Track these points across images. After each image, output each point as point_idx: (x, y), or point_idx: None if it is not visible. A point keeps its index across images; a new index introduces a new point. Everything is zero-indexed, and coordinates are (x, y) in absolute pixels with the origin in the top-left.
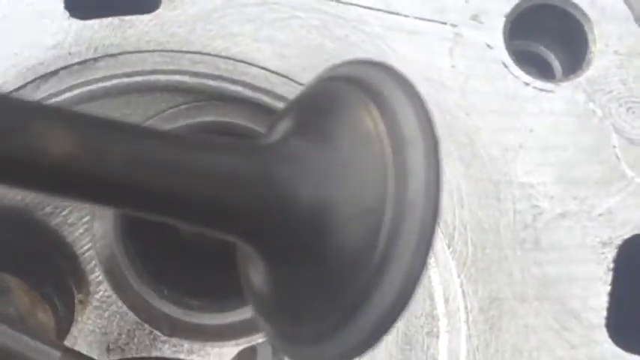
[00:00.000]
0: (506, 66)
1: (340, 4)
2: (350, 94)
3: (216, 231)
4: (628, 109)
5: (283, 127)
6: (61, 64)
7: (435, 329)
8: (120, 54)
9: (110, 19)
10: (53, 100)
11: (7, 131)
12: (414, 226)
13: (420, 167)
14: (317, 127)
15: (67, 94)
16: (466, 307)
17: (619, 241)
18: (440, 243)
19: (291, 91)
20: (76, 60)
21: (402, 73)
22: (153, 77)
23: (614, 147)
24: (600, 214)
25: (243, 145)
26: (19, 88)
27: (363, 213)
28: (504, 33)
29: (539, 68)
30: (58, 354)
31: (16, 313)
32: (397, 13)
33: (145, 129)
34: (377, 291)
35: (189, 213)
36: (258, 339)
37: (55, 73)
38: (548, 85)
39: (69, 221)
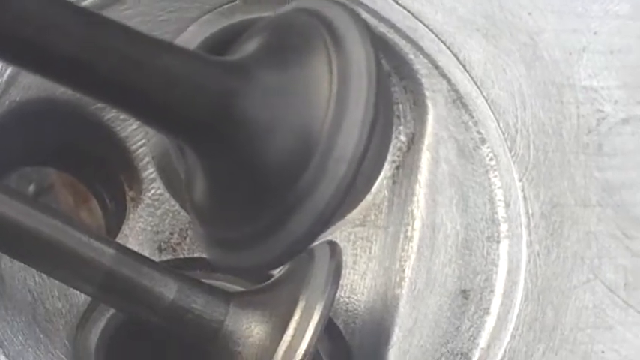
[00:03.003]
0: None
1: None
2: (312, 29)
3: (165, 130)
4: None
5: (246, 48)
6: None
7: (495, 234)
8: None
9: None
10: None
11: None
12: (345, 155)
13: (359, 104)
14: (276, 52)
15: None
16: (527, 212)
17: None
18: (501, 146)
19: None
20: None
21: (362, 18)
22: None
23: None
24: None
25: (205, 57)
26: None
27: (300, 137)
28: None
29: None
30: (111, 251)
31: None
32: None
33: (123, 25)
34: (303, 206)
35: (138, 106)
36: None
37: None
38: None
39: (122, 116)
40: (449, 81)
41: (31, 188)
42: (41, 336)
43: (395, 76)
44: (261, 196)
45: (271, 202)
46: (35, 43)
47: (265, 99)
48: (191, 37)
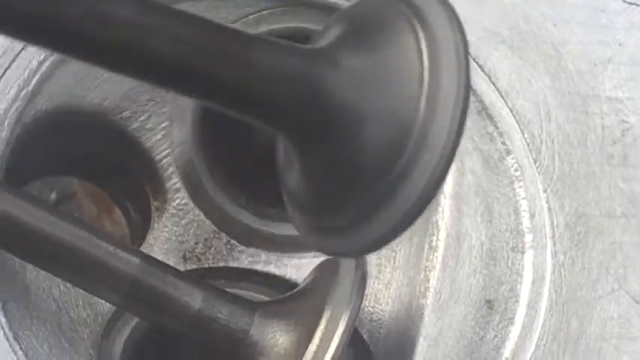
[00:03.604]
0: None
1: None
2: (397, 12)
3: (256, 119)
4: None
5: (330, 35)
6: None
7: (520, 245)
8: None
9: None
10: None
11: None
12: (439, 141)
13: (451, 89)
14: (361, 37)
15: None
16: (552, 223)
17: None
18: (526, 157)
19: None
20: None
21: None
22: None
23: None
24: None
25: (291, 46)
26: None
27: (394, 121)
28: None
29: None
30: (136, 260)
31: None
32: None
33: (204, 18)
34: (402, 189)
35: (234, 101)
36: None
37: None
38: None
39: (147, 126)
40: (474, 92)
41: (53, 196)
42: (66, 345)
43: None
44: (356, 183)
45: (367, 188)
46: (136, 45)
47: (355, 84)
48: None
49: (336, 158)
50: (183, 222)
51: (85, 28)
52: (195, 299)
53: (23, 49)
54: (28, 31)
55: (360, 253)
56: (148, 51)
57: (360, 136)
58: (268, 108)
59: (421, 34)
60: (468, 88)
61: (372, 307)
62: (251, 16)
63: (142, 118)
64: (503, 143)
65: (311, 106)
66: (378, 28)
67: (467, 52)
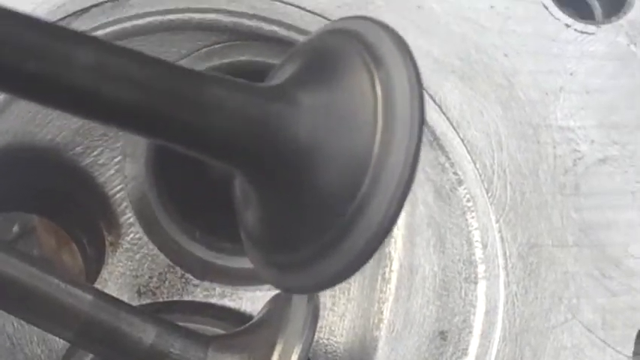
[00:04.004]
0: (546, 7)
1: None
2: (352, 50)
3: (212, 159)
4: None
5: (287, 71)
6: (93, 1)
7: (472, 275)
8: None
9: None
10: None
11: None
12: (392, 180)
13: (405, 124)
14: (317, 74)
15: (99, 32)
16: (505, 253)
17: None
18: (478, 187)
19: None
20: None
21: (397, 32)
22: (187, 15)
23: None
24: None
25: (246, 84)
26: None
27: (350, 158)
28: None
29: (579, 10)
30: (89, 297)
31: (40, 254)
32: None
33: (158, 59)
34: (358, 225)
35: (189, 140)
36: None
37: (86, 10)
38: (590, 28)
39: (100, 162)
40: (425, 123)
41: (15, 229)
42: None
43: None
44: (315, 218)
45: (326, 223)
46: (86, 88)
47: (310, 122)
48: None
49: (292, 196)
50: (138, 256)
51: (46, 72)
52: (148, 334)
53: None
54: None
55: (315, 289)
56: (103, 95)
57: (315, 174)
58: (223, 146)
59: (375, 73)
60: (421, 127)
61: (327, 339)
62: (203, 50)
63: (94, 153)
64: (455, 173)
65: (266, 144)
66: (333, 66)
67: (421, 90)
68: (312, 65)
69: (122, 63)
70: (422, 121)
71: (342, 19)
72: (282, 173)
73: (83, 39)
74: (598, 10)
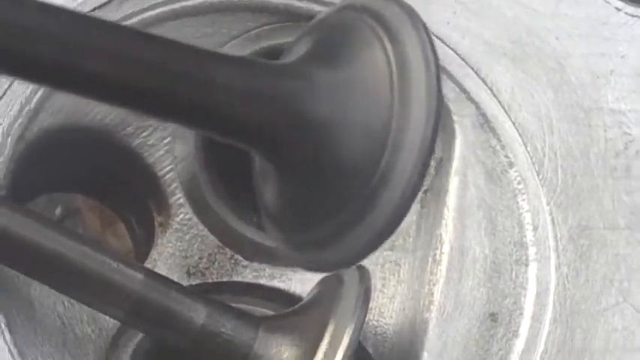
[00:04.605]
0: None
1: None
2: (364, 24)
3: (229, 139)
4: None
5: (300, 49)
6: None
7: (523, 257)
8: None
9: None
10: (136, 19)
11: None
12: (413, 147)
13: (421, 95)
14: (331, 50)
15: (150, 12)
16: (555, 236)
17: None
18: (529, 170)
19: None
20: None
21: (412, 7)
22: None
23: None
24: None
25: (261, 62)
26: (101, 5)
27: (368, 131)
28: None
29: None
30: (140, 276)
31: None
32: None
33: (171, 40)
34: (381, 197)
35: (206, 121)
36: None
37: None
38: None
39: (150, 142)
40: (477, 105)
41: (58, 211)
42: None
43: None
44: (336, 194)
45: (347, 198)
46: (103, 72)
47: (327, 97)
48: None
49: (311, 173)
50: (187, 237)
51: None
52: (199, 314)
53: None
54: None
55: (340, 265)
56: (116, 78)
57: (334, 149)
58: (239, 126)
59: (389, 46)
60: (438, 98)
61: (376, 321)
62: (253, 32)
63: (144, 134)
64: (506, 156)
65: (283, 121)
66: (347, 41)
67: (437, 61)
68: (326, 41)
69: (134, 46)
70: (439, 91)
71: None
72: (300, 150)
73: (96, 23)
74: None
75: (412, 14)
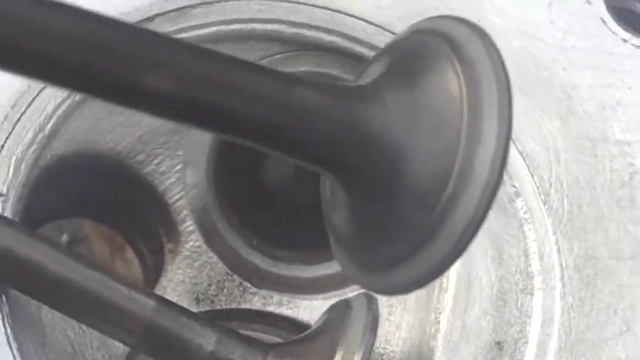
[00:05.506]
0: (604, 22)
1: None
2: (436, 47)
3: (303, 161)
4: None
5: (374, 71)
6: (157, 10)
7: (529, 286)
8: (217, 1)
9: None
10: None
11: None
12: (481, 176)
13: (493, 120)
14: (405, 74)
15: None
16: (561, 265)
17: None
18: (536, 199)
19: (387, 42)
20: (172, 7)
21: (485, 31)
22: (249, 26)
23: None
24: None
25: (337, 85)
26: None
27: (439, 153)
28: None
29: (636, 25)
30: (151, 303)
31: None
32: None
33: (246, 62)
34: (445, 225)
35: (281, 143)
36: (349, 293)
37: (150, 19)
38: None
39: (161, 169)
40: None
41: (64, 238)
42: None
43: None
44: (404, 218)
45: (414, 222)
46: (189, 98)
47: (399, 122)
48: None
49: (380, 195)
50: (197, 264)
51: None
52: (208, 341)
53: (40, 92)
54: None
55: (403, 290)
56: (198, 101)
57: (404, 173)
58: (314, 150)
59: (460, 69)
60: (509, 123)
61: (383, 349)
62: (264, 60)
63: (155, 161)
64: (513, 186)
65: (357, 144)
66: (418, 64)
67: (509, 85)
68: (397, 64)
69: (209, 67)
70: (510, 116)
71: (426, 18)
72: (371, 173)
73: (170, 42)
74: None
75: (484, 37)
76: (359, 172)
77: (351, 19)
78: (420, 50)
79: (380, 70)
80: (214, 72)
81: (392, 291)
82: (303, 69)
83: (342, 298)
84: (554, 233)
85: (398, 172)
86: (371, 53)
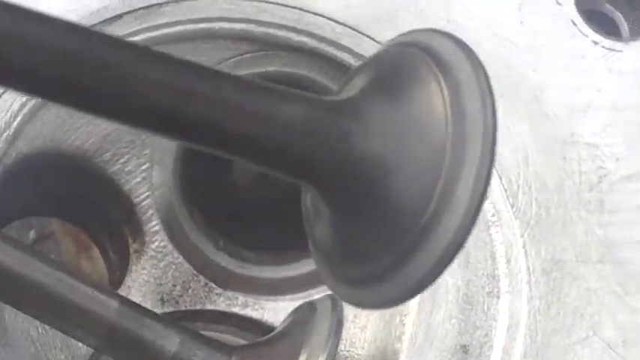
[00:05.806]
0: (575, 24)
1: None
2: (420, 61)
3: (286, 175)
4: None
5: (356, 84)
6: (126, 8)
7: (495, 289)
8: (185, 0)
9: None
10: None
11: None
12: (466, 187)
13: (477, 132)
14: (387, 87)
15: (131, 39)
16: (528, 268)
17: None
18: (503, 202)
19: (356, 43)
20: (141, 5)
21: (468, 45)
22: (218, 25)
23: None
24: None
25: (320, 99)
26: None
27: (422, 170)
28: None
29: (607, 28)
30: (115, 304)
31: (58, 260)
32: None
33: (225, 74)
34: (429, 240)
35: (262, 156)
36: (315, 295)
37: (119, 17)
38: (617, 45)
39: (127, 169)
40: None
41: (32, 235)
42: None
43: None
44: (386, 232)
45: (397, 237)
46: (167, 108)
47: (381, 136)
48: None
49: (363, 210)
50: (162, 264)
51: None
52: (171, 343)
53: (4, 92)
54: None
55: (387, 304)
56: (171, 111)
57: (388, 187)
58: (294, 164)
59: (443, 82)
60: (494, 134)
61: (348, 352)
62: (232, 60)
63: (122, 160)
64: None
65: (338, 158)
66: (400, 77)
67: (492, 96)
68: (383, 78)
69: (190, 79)
70: (494, 128)
71: (408, 31)
72: (352, 189)
73: (150, 54)
74: (625, 29)
75: (469, 52)
76: (340, 187)
77: (321, 18)
78: (401, 62)
79: (362, 84)
80: (192, 83)
81: (371, 306)
82: (272, 69)
83: (308, 300)
84: (522, 236)
85: (379, 189)
86: (339, 53)
